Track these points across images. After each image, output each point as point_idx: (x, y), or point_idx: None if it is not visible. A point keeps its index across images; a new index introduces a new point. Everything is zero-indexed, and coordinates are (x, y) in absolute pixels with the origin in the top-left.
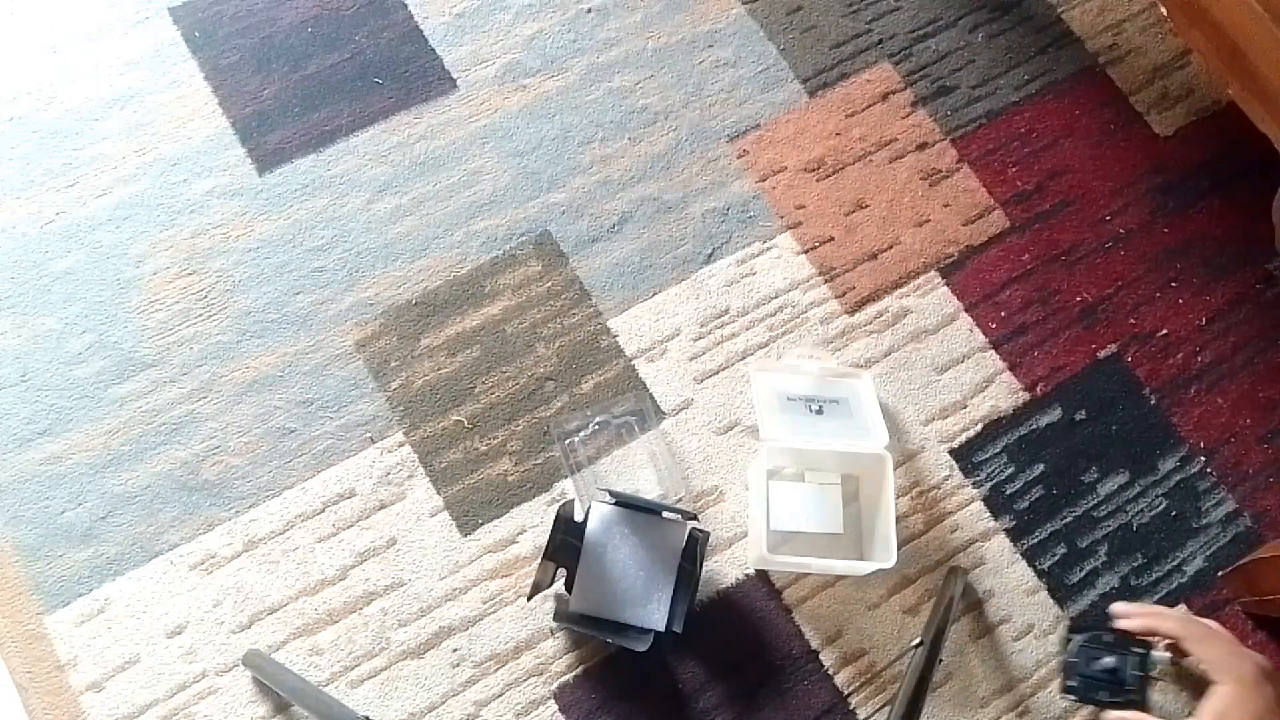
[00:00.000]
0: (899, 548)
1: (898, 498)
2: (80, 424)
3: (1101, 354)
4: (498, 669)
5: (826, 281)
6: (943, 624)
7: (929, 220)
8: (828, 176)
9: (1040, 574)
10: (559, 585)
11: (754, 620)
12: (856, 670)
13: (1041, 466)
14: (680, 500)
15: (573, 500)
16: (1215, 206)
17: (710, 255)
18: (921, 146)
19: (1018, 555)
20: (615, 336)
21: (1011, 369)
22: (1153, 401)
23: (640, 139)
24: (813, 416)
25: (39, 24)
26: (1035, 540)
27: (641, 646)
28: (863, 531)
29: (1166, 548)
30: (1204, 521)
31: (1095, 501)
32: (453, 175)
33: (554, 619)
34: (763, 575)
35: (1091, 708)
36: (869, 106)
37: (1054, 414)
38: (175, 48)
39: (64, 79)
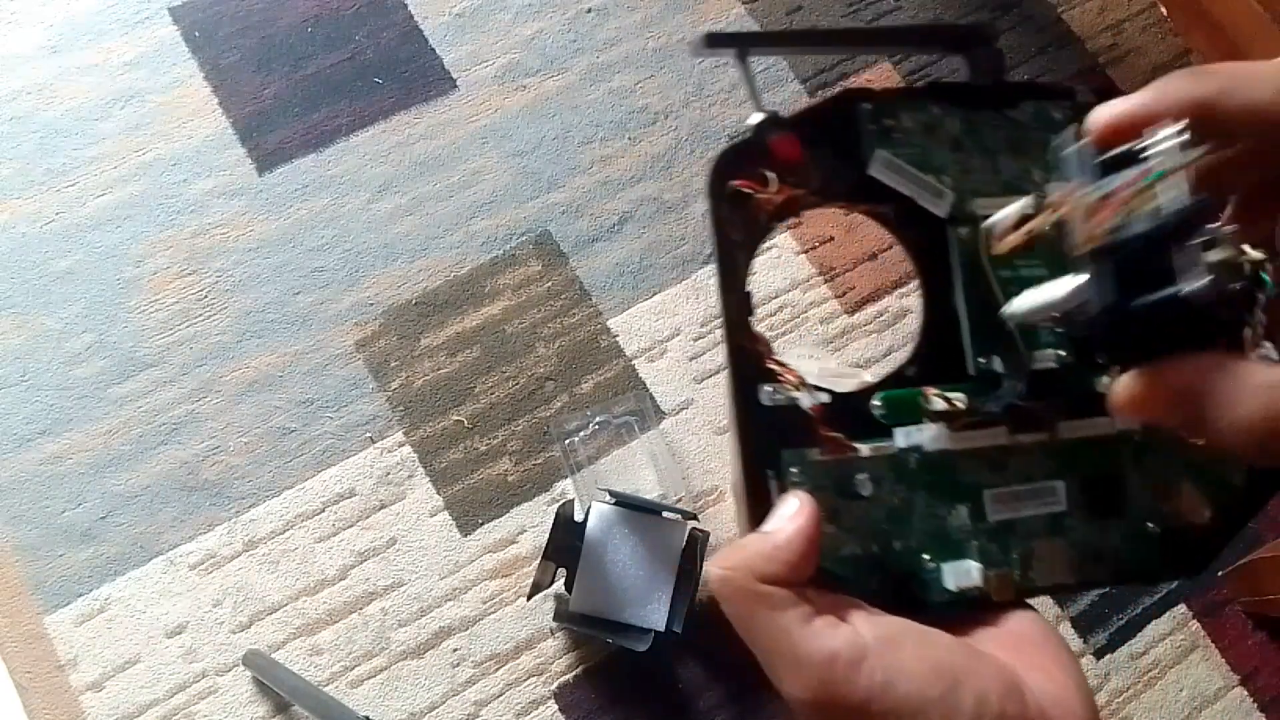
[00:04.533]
0: None
1: None
2: (80, 424)
3: None
4: (498, 669)
5: (826, 281)
6: None
7: None
8: None
9: None
10: (559, 585)
11: None
12: None
13: None
14: (680, 500)
15: (573, 500)
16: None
17: (710, 255)
18: None
19: None
20: (615, 336)
21: None
22: None
23: (640, 139)
24: None
25: (39, 24)
26: None
27: (641, 646)
28: None
29: None
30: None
31: None
32: (453, 175)
33: (554, 619)
34: None
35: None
36: None
37: None
38: (175, 47)
39: (64, 79)
